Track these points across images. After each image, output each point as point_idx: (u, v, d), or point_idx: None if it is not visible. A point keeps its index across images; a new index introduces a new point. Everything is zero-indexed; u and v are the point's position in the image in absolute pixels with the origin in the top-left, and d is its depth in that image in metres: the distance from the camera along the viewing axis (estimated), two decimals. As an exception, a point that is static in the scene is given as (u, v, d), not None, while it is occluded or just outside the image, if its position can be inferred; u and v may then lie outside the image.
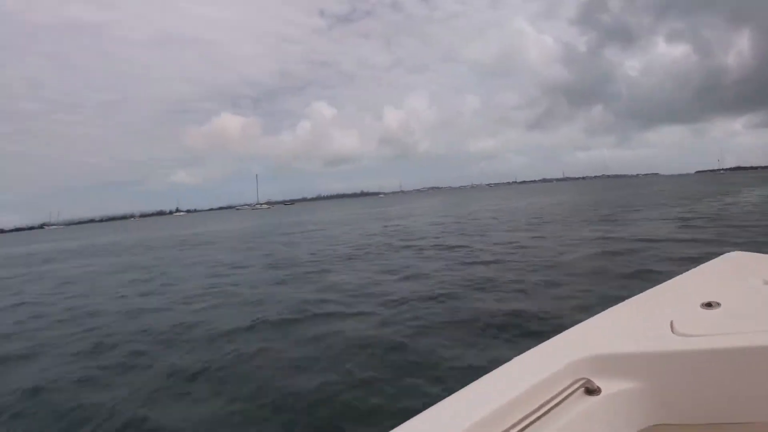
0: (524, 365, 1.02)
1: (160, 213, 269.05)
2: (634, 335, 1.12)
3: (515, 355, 1.03)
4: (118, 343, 5.11)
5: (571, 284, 5.66)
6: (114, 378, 4.07)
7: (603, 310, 1.26)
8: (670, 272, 1.62)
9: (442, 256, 9.24)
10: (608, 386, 0.97)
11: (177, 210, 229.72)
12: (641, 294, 1.40)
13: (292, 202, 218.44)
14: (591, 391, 0.95)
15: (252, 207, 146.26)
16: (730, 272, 1.61)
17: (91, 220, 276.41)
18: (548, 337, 1.11)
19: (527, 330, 4.09)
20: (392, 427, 0.79)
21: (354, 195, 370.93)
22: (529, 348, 1.06)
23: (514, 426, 0.81)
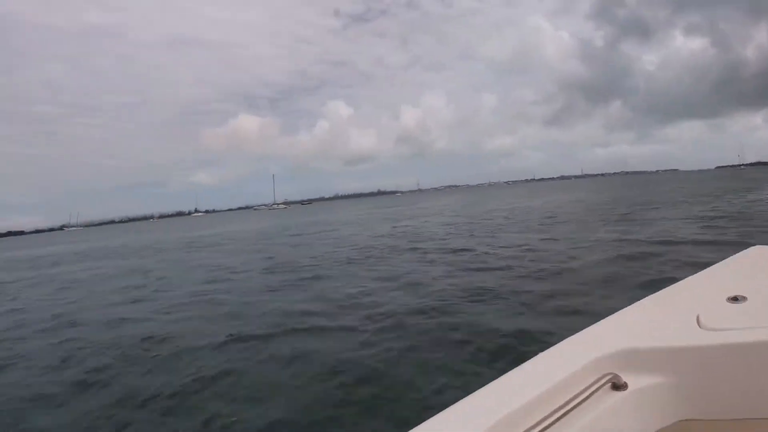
0: (550, 361, 1.02)
1: (179, 214, 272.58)
2: (660, 330, 1.11)
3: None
4: (86, 358, 4.90)
5: (579, 296, 5.08)
6: (67, 399, 3.86)
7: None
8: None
9: (446, 260, 8.69)
10: (635, 381, 0.97)
11: (195, 210, 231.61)
12: (666, 288, 1.40)
13: (310, 201, 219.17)
14: (618, 386, 0.95)
15: (269, 207, 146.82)
16: (755, 266, 1.60)
17: (111, 222, 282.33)
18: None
19: (524, 357, 3.51)
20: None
21: (371, 194, 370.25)
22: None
23: (541, 422, 0.80)
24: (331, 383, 3.37)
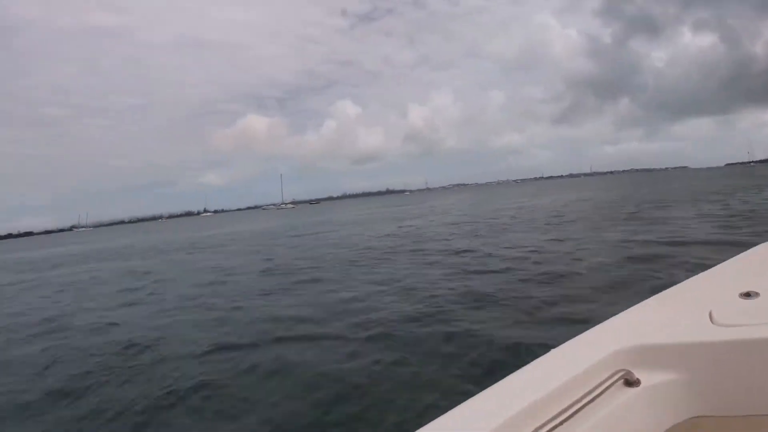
0: (563, 357, 1.02)
1: (188, 214, 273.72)
2: (672, 326, 1.10)
3: None
4: (67, 366, 4.81)
5: (582, 302, 4.76)
6: (40, 409, 3.79)
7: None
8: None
9: (446, 262, 8.40)
10: (648, 378, 0.96)
11: (204, 211, 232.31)
12: (678, 284, 1.39)
13: (318, 201, 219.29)
14: (630, 382, 0.94)
15: (277, 207, 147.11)
16: (767, 262, 1.61)
17: (121, 222, 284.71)
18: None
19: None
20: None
21: (379, 193, 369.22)
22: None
23: (554, 417, 0.79)
24: (309, 400, 3.11)
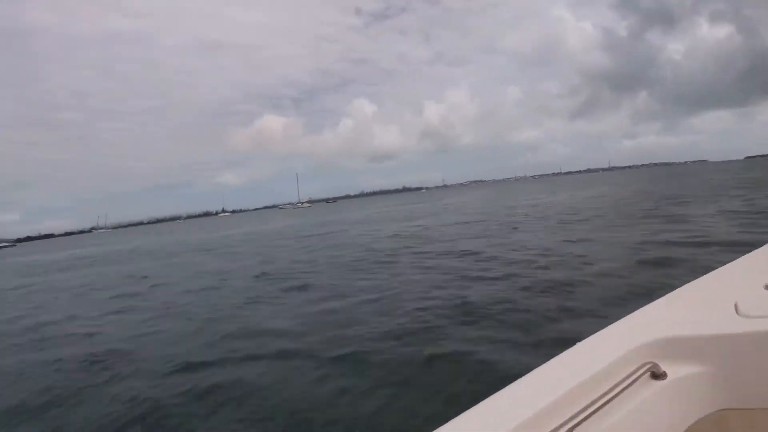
0: (590, 350, 1.00)
1: (206, 214, 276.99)
2: (698, 318, 1.08)
3: None
4: (27, 383, 4.58)
5: (589, 317, 4.17)
6: None
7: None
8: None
9: (445, 266, 7.88)
10: (674, 370, 0.94)
11: (222, 211, 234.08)
12: (703, 277, 1.38)
13: (334, 199, 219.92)
14: (657, 375, 0.93)
15: (294, 206, 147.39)
16: None
17: (140, 223, 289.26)
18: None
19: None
20: None
21: (396, 191, 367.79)
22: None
23: (581, 411, 0.78)
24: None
